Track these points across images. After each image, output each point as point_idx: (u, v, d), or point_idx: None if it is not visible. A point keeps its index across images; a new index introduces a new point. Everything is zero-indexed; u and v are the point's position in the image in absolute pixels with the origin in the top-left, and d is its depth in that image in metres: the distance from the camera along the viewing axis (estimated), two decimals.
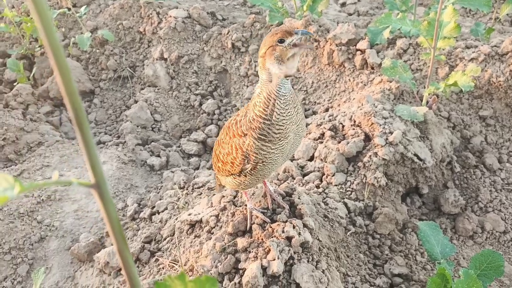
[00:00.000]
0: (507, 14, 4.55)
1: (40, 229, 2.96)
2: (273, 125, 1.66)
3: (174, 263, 2.34)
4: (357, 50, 3.75)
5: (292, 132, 1.73)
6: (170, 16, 4.46)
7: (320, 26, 3.94)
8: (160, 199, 3.08)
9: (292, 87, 3.97)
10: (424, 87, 3.24)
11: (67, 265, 2.79)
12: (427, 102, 3.19)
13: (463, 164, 3.17)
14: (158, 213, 2.95)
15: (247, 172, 1.81)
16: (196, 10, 4.51)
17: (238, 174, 1.86)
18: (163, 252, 2.49)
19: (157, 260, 2.45)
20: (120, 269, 2.50)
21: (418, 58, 3.60)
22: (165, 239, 2.58)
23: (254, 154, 1.72)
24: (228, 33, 4.30)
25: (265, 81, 1.66)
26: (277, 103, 1.63)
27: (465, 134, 3.30)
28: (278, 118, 1.65)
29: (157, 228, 2.74)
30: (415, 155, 2.80)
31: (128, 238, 2.80)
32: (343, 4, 5.53)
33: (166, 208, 2.95)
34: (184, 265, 2.25)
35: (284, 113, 1.65)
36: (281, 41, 1.58)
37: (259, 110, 1.67)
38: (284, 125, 1.68)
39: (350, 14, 5.24)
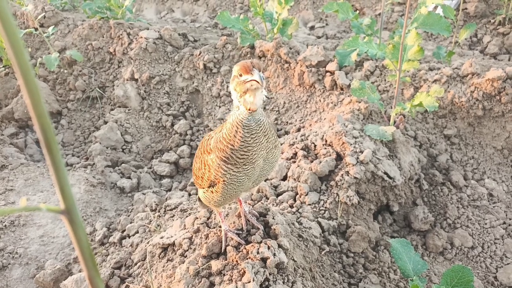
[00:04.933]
0: (465, 39, 4.81)
1: (2, 257, 2.81)
2: (236, 151, 1.66)
3: None
4: (327, 71, 3.85)
5: (261, 158, 1.72)
6: (141, 37, 4.44)
7: (290, 48, 4.02)
8: (130, 223, 2.99)
9: (264, 108, 4.02)
10: (391, 107, 3.35)
11: None
12: (395, 122, 3.29)
13: (431, 181, 3.27)
14: (129, 237, 2.86)
15: (213, 189, 1.83)
16: (168, 31, 4.52)
17: (206, 190, 1.89)
18: (134, 278, 2.41)
19: (127, 286, 2.36)
20: None
21: (385, 80, 3.73)
22: (136, 264, 2.49)
23: (215, 171, 1.74)
24: (200, 54, 4.32)
25: (235, 106, 1.66)
26: (239, 131, 1.62)
27: (431, 153, 3.41)
28: (241, 145, 1.64)
29: (127, 252, 2.64)
30: (385, 173, 2.87)
31: (97, 264, 2.68)
32: (312, 28, 5.70)
33: (137, 232, 2.87)
34: None
35: (250, 141, 1.64)
36: (240, 74, 1.57)
37: (225, 133, 1.67)
38: (250, 151, 1.66)
39: (319, 37, 5.40)
